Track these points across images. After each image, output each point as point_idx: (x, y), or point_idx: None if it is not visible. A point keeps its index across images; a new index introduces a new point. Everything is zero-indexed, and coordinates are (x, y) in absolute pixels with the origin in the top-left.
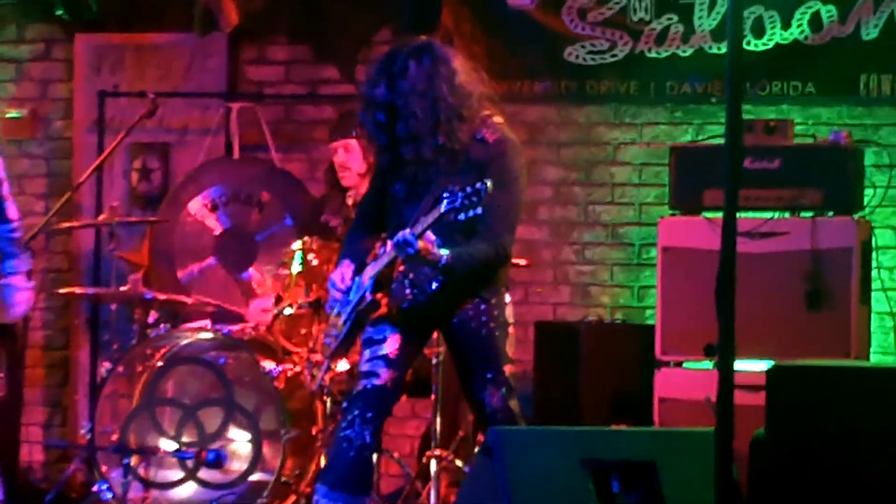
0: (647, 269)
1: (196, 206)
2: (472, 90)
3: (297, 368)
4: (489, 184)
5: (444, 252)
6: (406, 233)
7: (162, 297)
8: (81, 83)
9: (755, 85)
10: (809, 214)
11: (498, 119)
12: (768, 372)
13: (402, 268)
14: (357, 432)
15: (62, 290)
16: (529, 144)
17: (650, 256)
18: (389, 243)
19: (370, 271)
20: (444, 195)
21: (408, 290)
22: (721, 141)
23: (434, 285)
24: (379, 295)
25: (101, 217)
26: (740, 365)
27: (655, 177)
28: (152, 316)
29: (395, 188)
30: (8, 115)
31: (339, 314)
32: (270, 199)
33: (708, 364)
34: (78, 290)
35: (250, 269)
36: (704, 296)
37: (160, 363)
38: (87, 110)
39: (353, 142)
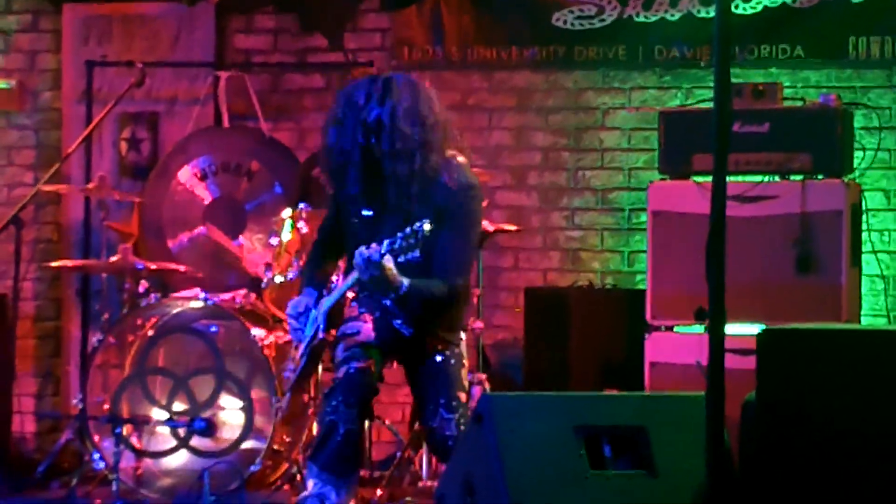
0: (636, 234)
1: (185, 175)
2: (446, 118)
3: (288, 336)
4: (426, 226)
5: (405, 280)
6: (373, 249)
7: (153, 266)
8: (69, 54)
9: (743, 49)
10: (799, 178)
11: (461, 159)
12: (759, 336)
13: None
14: (342, 418)
15: (53, 264)
16: (518, 111)
17: (640, 221)
18: (339, 277)
19: (324, 304)
20: (385, 238)
21: (373, 334)
22: (710, 105)
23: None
24: (332, 332)
25: (90, 185)
26: (731, 329)
27: (644, 141)
28: (142, 286)
29: (352, 218)
30: None
31: (296, 347)
32: (260, 168)
33: (698, 328)
34: (69, 263)
35: (240, 238)
36: (694, 260)
37: (151, 333)
38: (76, 81)
39: None
